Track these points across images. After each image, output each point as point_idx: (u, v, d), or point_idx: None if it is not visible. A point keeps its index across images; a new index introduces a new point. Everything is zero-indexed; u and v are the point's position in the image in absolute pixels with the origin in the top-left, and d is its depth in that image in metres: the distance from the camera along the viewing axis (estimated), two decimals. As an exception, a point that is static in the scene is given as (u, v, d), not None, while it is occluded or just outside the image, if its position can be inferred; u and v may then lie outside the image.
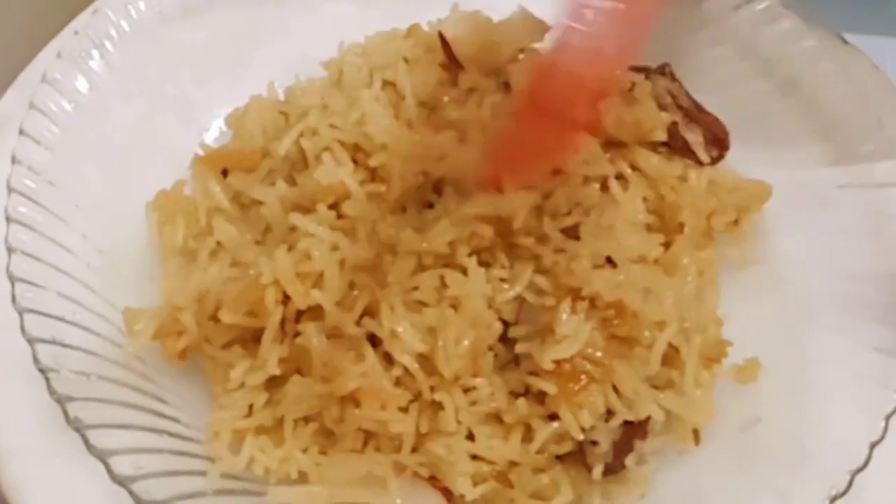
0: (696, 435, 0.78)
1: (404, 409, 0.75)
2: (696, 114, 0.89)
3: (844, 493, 0.71)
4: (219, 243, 0.83)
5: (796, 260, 0.86)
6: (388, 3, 0.95)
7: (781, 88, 0.95)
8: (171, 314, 0.77)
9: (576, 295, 0.75)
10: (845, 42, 1.01)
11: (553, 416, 0.75)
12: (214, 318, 0.77)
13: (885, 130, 0.88)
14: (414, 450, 0.75)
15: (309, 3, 1.00)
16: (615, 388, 0.75)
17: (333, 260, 0.75)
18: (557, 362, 0.73)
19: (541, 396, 0.75)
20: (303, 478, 0.75)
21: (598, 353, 0.74)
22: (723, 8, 0.98)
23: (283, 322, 0.76)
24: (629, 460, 0.75)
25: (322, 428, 0.76)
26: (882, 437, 0.73)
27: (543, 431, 0.74)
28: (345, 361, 0.73)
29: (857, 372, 0.78)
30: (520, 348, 0.76)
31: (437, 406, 0.75)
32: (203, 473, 0.73)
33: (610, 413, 0.75)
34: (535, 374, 0.75)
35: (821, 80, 0.93)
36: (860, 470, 0.72)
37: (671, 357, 0.77)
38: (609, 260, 0.77)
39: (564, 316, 0.75)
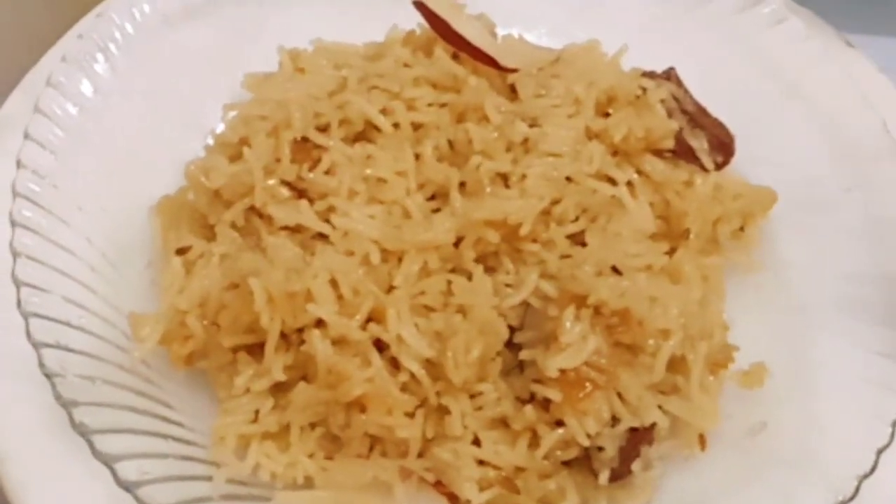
0: (702, 440, 0.78)
1: (410, 415, 0.74)
2: (700, 118, 0.89)
3: (851, 498, 0.71)
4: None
5: (801, 264, 0.87)
6: (391, 3, 0.94)
7: (785, 91, 0.95)
8: (175, 318, 0.77)
9: (580, 302, 0.74)
10: (849, 45, 1.01)
11: (559, 422, 0.74)
12: (217, 323, 0.77)
13: (889, 133, 0.88)
14: (420, 455, 0.75)
15: (312, 3, 1.00)
16: (620, 396, 0.74)
17: (324, 278, 0.75)
18: (562, 370, 0.73)
19: (546, 402, 0.75)
20: (309, 483, 0.75)
21: (603, 361, 0.74)
22: (728, 11, 0.98)
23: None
24: (635, 466, 0.75)
25: (328, 433, 0.76)
26: (889, 443, 0.73)
27: (549, 437, 0.74)
28: (350, 367, 0.73)
29: (864, 377, 0.78)
30: (524, 355, 0.76)
31: (444, 411, 0.75)
32: (209, 478, 0.73)
33: (615, 419, 0.74)
34: (539, 381, 0.75)
35: (824, 83, 0.93)
36: (867, 476, 0.72)
37: (677, 362, 0.76)
38: (614, 268, 0.77)
39: (568, 324, 0.74)
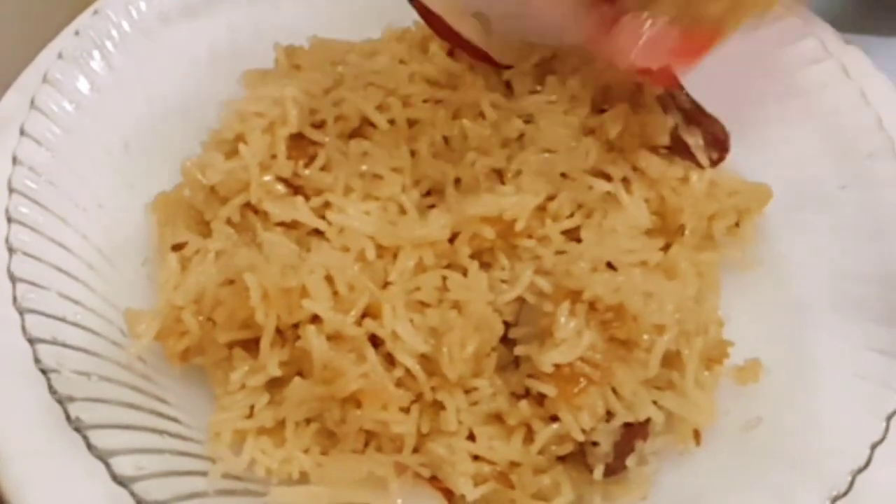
0: (697, 436, 0.78)
1: (405, 410, 0.74)
2: (696, 115, 0.88)
3: (845, 493, 0.71)
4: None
5: (797, 261, 0.86)
6: (389, 2, 0.94)
7: (781, 88, 0.95)
8: (171, 314, 0.77)
9: (575, 297, 0.75)
10: (846, 42, 1.01)
11: (554, 418, 0.75)
12: (213, 319, 0.77)
13: (886, 131, 0.88)
14: (415, 450, 0.75)
15: (310, 2, 1.00)
16: (614, 391, 0.74)
17: (319, 274, 0.75)
18: (557, 365, 0.73)
19: (540, 398, 0.75)
20: (304, 478, 0.75)
21: (598, 356, 0.74)
22: (724, 9, 0.98)
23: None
24: (630, 461, 0.75)
25: (323, 428, 0.76)
26: (883, 438, 0.73)
27: (544, 433, 0.74)
28: (345, 363, 0.73)
29: (858, 372, 0.78)
30: (519, 350, 0.76)
31: (439, 406, 0.75)
32: (204, 474, 0.73)
33: (610, 414, 0.74)
34: (534, 376, 0.75)
35: (821, 81, 0.93)
36: (861, 470, 0.72)
37: (672, 358, 0.76)
38: (609, 264, 0.77)
39: (563, 319, 0.74)
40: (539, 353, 0.74)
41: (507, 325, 0.77)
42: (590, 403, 0.73)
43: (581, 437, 0.74)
